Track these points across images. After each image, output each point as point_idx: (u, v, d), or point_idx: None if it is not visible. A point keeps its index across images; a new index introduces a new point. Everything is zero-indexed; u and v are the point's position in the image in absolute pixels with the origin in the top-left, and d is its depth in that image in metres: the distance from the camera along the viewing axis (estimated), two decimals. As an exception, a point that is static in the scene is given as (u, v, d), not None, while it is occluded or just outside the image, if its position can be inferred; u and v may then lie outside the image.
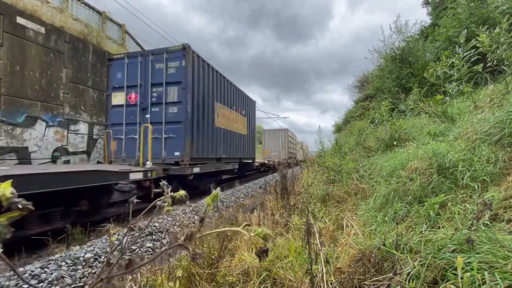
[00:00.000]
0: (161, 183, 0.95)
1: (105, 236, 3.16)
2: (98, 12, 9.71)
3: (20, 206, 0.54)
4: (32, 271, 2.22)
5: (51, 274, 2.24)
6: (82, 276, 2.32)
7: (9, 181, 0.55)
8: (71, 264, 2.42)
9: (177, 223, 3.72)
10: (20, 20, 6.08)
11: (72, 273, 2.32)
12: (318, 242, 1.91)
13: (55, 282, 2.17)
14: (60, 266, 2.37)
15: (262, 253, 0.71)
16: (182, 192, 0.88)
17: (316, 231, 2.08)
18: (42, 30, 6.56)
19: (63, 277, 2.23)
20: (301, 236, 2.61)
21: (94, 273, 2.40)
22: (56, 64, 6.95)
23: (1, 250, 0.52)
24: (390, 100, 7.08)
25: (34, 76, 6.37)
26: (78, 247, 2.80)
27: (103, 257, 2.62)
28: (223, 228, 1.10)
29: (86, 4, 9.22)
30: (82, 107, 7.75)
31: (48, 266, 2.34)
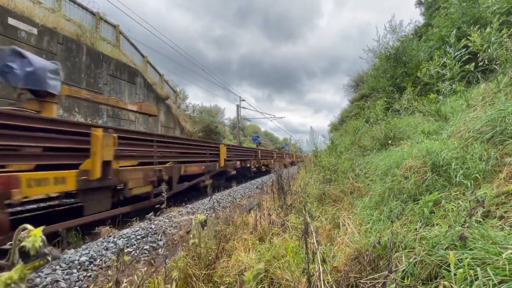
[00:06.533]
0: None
1: (101, 239, 3.12)
2: (92, 13, 9.62)
3: (49, 259, 0.51)
4: (26, 275, 2.19)
5: (45, 278, 2.21)
6: (77, 279, 2.29)
7: (41, 228, 0.51)
8: (66, 268, 2.39)
9: (174, 225, 3.70)
10: (11, 21, 5.99)
11: (67, 277, 2.29)
12: (315, 241, 1.92)
13: (50, 287, 2.14)
14: (55, 269, 2.34)
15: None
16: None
17: (313, 230, 2.09)
18: (34, 31, 6.48)
19: (57, 281, 2.20)
20: (298, 235, 2.62)
21: (90, 276, 2.37)
22: (49, 66, 6.80)
23: None
24: (385, 99, 7.15)
25: (26, 78, 6.22)
26: (73, 250, 2.77)
27: (98, 260, 2.60)
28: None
29: (79, 5, 9.13)
30: (76, 109, 7.67)
31: (42, 270, 2.31)
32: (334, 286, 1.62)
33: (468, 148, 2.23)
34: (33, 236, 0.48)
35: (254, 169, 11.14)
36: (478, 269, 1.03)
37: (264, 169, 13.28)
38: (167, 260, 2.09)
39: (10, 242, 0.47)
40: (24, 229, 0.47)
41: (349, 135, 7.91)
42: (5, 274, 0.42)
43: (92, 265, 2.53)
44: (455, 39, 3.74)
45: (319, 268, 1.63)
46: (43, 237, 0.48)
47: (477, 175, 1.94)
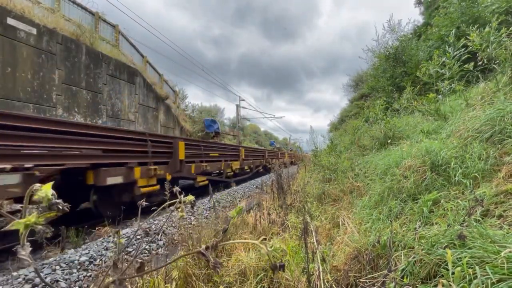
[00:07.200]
0: (174, 189, 0.96)
1: (100, 239, 3.12)
2: (91, 13, 9.61)
3: (60, 207, 0.57)
4: (26, 275, 2.19)
5: (45, 278, 2.21)
6: (77, 279, 2.29)
7: (51, 183, 0.57)
8: (66, 268, 2.39)
9: (173, 224, 3.70)
10: (10, 21, 5.98)
11: (67, 276, 2.29)
12: (314, 241, 1.92)
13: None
14: (55, 269, 2.34)
15: (277, 268, 0.70)
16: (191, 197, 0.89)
17: (312, 229, 2.09)
18: (34, 31, 6.47)
19: (57, 281, 2.20)
20: (298, 235, 2.62)
21: (90, 276, 2.37)
22: (49, 66, 6.87)
23: (30, 248, 0.52)
24: (385, 99, 7.16)
25: (26, 78, 6.28)
26: (72, 250, 2.77)
27: (98, 260, 2.60)
28: (242, 240, 1.09)
29: (79, 5, 9.12)
30: (76, 109, 7.67)
31: (43, 270, 2.31)
32: (333, 285, 1.63)
33: (467, 148, 2.24)
34: (44, 189, 0.54)
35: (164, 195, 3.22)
36: (477, 267, 1.04)
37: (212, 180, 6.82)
38: (167, 260, 2.09)
39: (21, 205, 0.53)
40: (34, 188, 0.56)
41: (348, 134, 7.92)
42: (24, 219, 0.51)
43: (92, 265, 2.53)
44: (455, 38, 3.75)
45: (318, 267, 1.64)
46: (53, 191, 0.55)
47: (476, 174, 1.94)
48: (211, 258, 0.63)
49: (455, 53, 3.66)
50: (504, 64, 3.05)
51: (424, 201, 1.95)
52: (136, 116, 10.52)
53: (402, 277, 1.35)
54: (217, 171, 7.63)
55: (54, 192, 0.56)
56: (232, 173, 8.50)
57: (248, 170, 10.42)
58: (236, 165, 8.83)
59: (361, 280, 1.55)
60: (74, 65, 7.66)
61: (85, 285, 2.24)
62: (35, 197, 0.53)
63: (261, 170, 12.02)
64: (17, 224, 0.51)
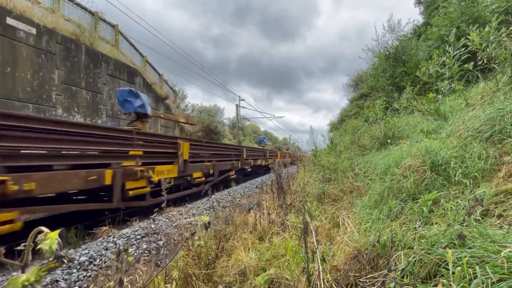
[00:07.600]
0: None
1: (100, 239, 3.12)
2: (91, 13, 9.59)
3: (65, 261, 0.54)
4: (26, 275, 2.19)
5: (45, 278, 2.21)
6: (77, 279, 2.29)
7: (57, 231, 0.53)
8: (66, 268, 2.39)
9: (173, 224, 3.70)
10: (10, 21, 5.97)
11: (67, 276, 2.29)
12: (314, 241, 1.92)
13: (49, 287, 2.14)
14: (54, 270, 2.34)
15: None
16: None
17: (312, 229, 2.09)
18: (33, 31, 6.46)
19: (57, 281, 2.20)
20: (298, 235, 2.62)
21: (90, 276, 2.37)
22: (48, 66, 6.86)
23: None
24: (384, 98, 7.17)
25: (25, 78, 6.27)
26: (72, 250, 2.77)
27: (98, 260, 2.60)
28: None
29: (78, 5, 9.10)
30: (75, 109, 7.66)
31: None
32: (333, 285, 1.63)
33: (467, 147, 2.24)
34: (50, 239, 0.50)
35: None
36: (477, 267, 1.04)
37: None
38: (167, 260, 2.09)
39: (24, 243, 0.49)
40: (40, 231, 0.51)
41: (348, 134, 7.92)
42: (23, 276, 0.45)
43: (92, 265, 2.53)
44: (454, 38, 3.74)
45: (318, 267, 1.64)
46: (59, 239, 0.50)
47: (476, 174, 1.94)
48: None
49: (455, 52, 3.66)
50: (504, 63, 3.04)
51: (424, 201, 1.95)
52: (136, 116, 10.50)
53: (402, 277, 1.35)
54: (96, 188, 3.33)
55: (60, 240, 0.51)
56: (148, 189, 4.11)
57: (202, 178, 6.08)
58: (168, 172, 4.68)
59: (361, 279, 1.55)
60: (74, 65, 7.65)
61: (85, 285, 2.24)
62: (39, 247, 0.49)
63: (234, 176, 8.05)
64: (14, 282, 0.45)
